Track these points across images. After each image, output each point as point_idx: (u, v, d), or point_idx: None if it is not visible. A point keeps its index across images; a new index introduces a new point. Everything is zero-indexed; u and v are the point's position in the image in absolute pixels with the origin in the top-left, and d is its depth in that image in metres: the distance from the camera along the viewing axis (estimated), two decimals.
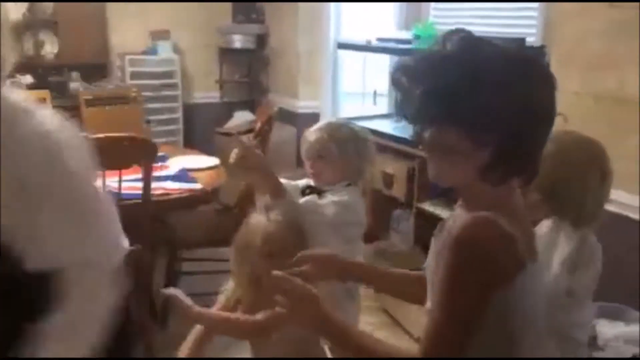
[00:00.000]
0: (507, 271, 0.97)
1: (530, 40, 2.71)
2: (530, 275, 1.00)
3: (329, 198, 1.70)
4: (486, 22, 3.11)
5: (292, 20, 4.27)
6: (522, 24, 2.91)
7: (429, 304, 1.11)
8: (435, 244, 1.13)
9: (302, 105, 4.33)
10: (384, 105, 3.93)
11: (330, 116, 4.23)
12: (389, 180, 3.10)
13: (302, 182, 1.84)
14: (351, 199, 1.72)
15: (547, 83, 1.02)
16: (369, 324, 2.80)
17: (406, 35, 3.37)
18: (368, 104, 4.02)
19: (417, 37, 3.18)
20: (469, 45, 1.00)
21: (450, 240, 0.99)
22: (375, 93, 3.91)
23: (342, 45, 3.82)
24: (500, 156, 0.99)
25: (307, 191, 1.77)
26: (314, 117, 4.28)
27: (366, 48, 3.50)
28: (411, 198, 2.98)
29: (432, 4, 3.59)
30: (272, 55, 4.64)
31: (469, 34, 1.02)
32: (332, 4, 4.02)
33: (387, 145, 3.22)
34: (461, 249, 0.97)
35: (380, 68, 3.96)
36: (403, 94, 1.04)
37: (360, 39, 3.72)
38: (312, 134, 1.78)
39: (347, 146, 1.73)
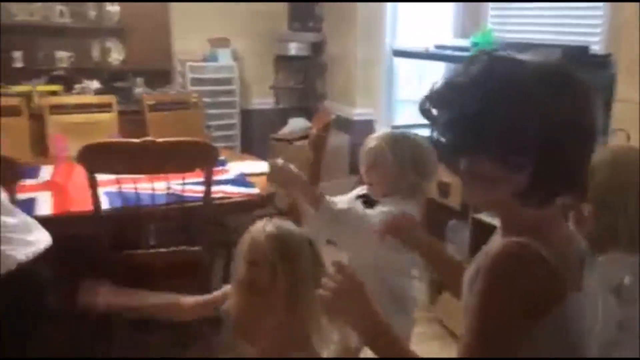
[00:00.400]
0: (543, 300, 0.92)
1: (595, 48, 2.62)
2: (572, 305, 0.94)
3: (379, 208, 1.68)
4: (547, 30, 3.04)
5: (351, 28, 4.30)
6: (586, 32, 2.80)
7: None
8: (471, 267, 1.08)
9: (358, 112, 4.35)
10: None
11: (384, 124, 4.24)
12: (444, 189, 3.07)
13: (357, 191, 1.83)
14: (401, 210, 1.66)
15: (584, 96, 0.95)
16: (421, 334, 2.78)
17: (464, 42, 3.34)
18: None
19: (475, 44, 3.15)
20: (494, 67, 0.95)
21: (483, 266, 0.95)
22: None
23: (398, 53, 3.82)
24: (539, 178, 0.93)
25: (360, 201, 1.76)
26: (368, 125, 4.30)
27: (422, 55, 3.48)
28: (467, 208, 2.94)
29: (491, 12, 3.54)
30: (329, 63, 4.69)
31: (494, 55, 0.98)
32: (389, 12, 4.03)
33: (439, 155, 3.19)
34: (493, 276, 0.93)
35: (437, 76, 3.93)
36: (432, 124, 1.01)
37: (416, 46, 3.71)
38: (371, 141, 1.76)
39: (403, 158, 1.69)
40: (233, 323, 1.29)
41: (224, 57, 4.42)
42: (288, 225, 1.30)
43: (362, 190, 1.83)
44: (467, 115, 0.93)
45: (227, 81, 4.44)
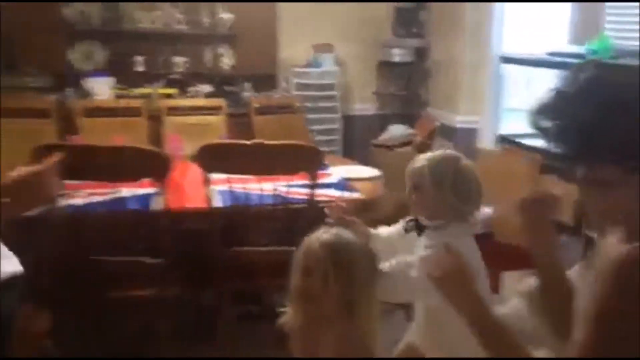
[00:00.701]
0: None
1: None
2: None
3: (422, 243, 1.61)
4: None
5: (458, 33, 4.22)
6: None
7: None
8: (583, 274, 1.08)
9: (461, 120, 4.25)
10: None
11: (490, 132, 4.12)
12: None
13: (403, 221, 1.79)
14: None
15: None
16: None
17: (579, 49, 3.18)
18: None
19: (593, 52, 2.99)
20: (602, 74, 0.96)
21: (605, 271, 0.94)
22: None
23: (507, 60, 3.70)
24: None
25: (410, 225, 1.72)
26: (472, 133, 4.20)
27: (533, 62, 3.35)
28: (580, 224, 2.78)
29: (607, 17, 3.34)
30: (433, 69, 4.63)
31: (602, 63, 0.99)
32: (497, 16, 3.92)
33: (554, 165, 3.05)
34: (619, 281, 0.92)
35: (548, 84, 3.76)
36: (543, 134, 1.02)
37: (526, 53, 3.58)
38: (416, 161, 1.71)
39: (443, 182, 1.62)
40: (291, 336, 1.28)
41: (327, 63, 4.49)
42: (346, 234, 1.30)
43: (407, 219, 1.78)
44: (582, 123, 0.94)
45: (330, 86, 4.51)
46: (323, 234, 1.27)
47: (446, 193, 1.62)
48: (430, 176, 1.64)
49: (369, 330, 1.23)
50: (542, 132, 1.03)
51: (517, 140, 3.41)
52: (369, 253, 1.28)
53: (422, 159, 1.69)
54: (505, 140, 3.54)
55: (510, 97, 4.14)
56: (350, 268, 1.23)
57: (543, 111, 1.01)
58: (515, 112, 4.10)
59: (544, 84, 3.58)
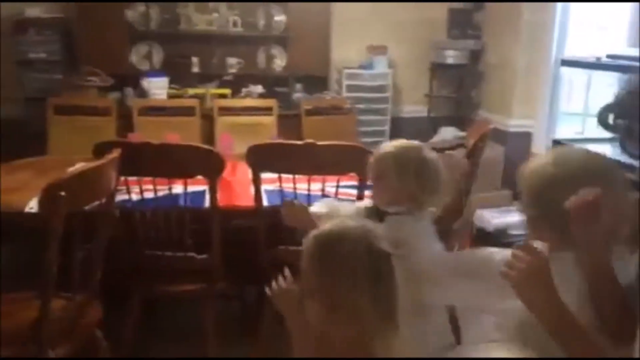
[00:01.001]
0: None
1: None
2: None
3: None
4: None
5: (513, 35, 4.14)
6: None
7: None
8: None
9: (514, 123, 4.17)
10: None
11: (544, 137, 4.01)
12: None
13: (365, 203, 1.81)
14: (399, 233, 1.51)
15: None
16: None
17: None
18: (591, 126, 3.72)
19: None
20: None
21: None
22: None
23: (567, 62, 3.59)
24: None
25: (370, 211, 1.71)
26: (525, 137, 4.10)
27: (595, 66, 3.23)
28: (636, 233, 2.68)
29: None
30: (487, 71, 4.55)
31: None
32: (558, 19, 3.82)
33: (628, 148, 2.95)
34: None
35: (607, 88, 3.64)
36: (615, 132, 0.99)
37: (586, 56, 3.46)
38: (380, 150, 1.71)
39: (406, 170, 1.62)
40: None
41: (380, 65, 4.49)
42: (346, 227, 1.17)
43: (370, 202, 1.77)
44: None
45: (381, 88, 4.51)
46: (320, 229, 1.19)
47: (409, 181, 1.62)
48: (394, 164, 1.64)
49: (368, 327, 1.12)
50: (612, 130, 1.01)
51: (572, 145, 3.31)
52: (372, 248, 1.14)
53: (386, 148, 1.70)
54: (560, 145, 3.44)
55: (568, 101, 4.02)
56: (340, 263, 1.12)
57: (612, 109, 0.99)
58: (573, 116, 3.98)
59: (602, 87, 3.47)
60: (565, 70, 3.89)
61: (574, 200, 1.17)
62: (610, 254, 1.25)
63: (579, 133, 3.83)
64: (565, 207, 1.17)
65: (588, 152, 1.32)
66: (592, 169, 1.24)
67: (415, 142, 1.73)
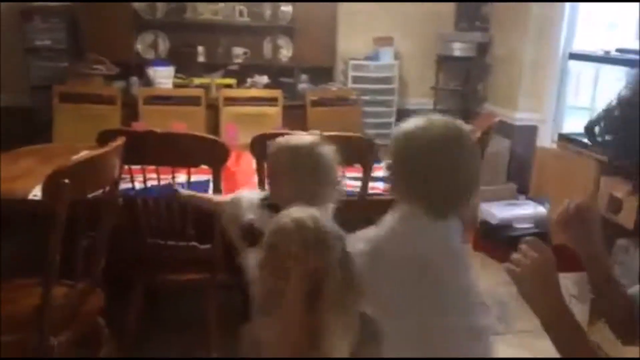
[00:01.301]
0: None
1: None
2: None
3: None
4: None
5: (521, 28, 4.10)
6: None
7: None
8: None
9: (520, 117, 4.14)
10: None
11: (551, 130, 3.99)
12: (616, 205, 2.82)
13: (259, 195, 1.77)
14: None
15: None
16: None
17: None
18: None
19: None
20: None
21: None
22: None
23: (575, 56, 3.56)
24: None
25: (264, 203, 1.69)
26: (531, 130, 4.08)
27: (603, 59, 3.21)
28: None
29: None
30: (494, 64, 4.52)
31: None
32: (567, 12, 3.78)
33: (617, 165, 2.93)
34: None
35: (615, 82, 3.61)
36: (604, 148, 0.99)
37: (594, 50, 3.44)
38: (273, 146, 1.67)
39: (301, 168, 1.58)
40: (257, 304, 1.27)
41: (386, 56, 4.46)
42: (322, 218, 1.23)
43: (265, 194, 1.76)
44: None
45: (387, 80, 4.48)
46: (297, 213, 1.23)
47: (304, 178, 1.58)
48: (288, 161, 1.61)
49: (328, 318, 1.16)
50: (602, 145, 1.00)
51: (579, 139, 3.29)
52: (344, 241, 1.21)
53: (280, 143, 1.66)
54: (567, 139, 3.42)
55: (575, 95, 3.99)
56: (318, 250, 1.18)
57: (620, 102, 0.97)
58: (580, 110, 3.96)
59: (610, 82, 3.45)
60: (573, 64, 3.86)
61: (558, 214, 1.24)
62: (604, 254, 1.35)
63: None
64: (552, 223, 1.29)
65: (447, 121, 1.39)
66: (450, 135, 1.35)
67: (309, 137, 1.68)
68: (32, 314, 1.72)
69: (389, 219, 1.39)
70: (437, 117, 1.39)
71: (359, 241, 1.39)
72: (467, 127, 1.40)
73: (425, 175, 1.32)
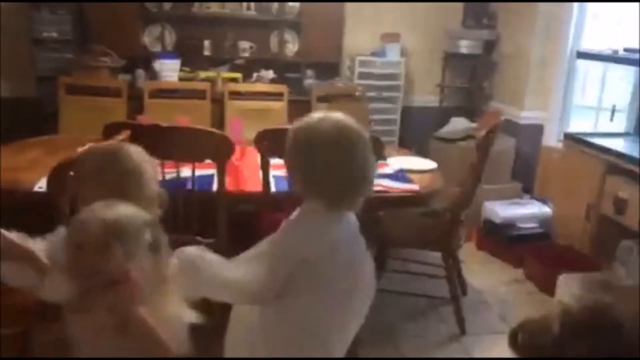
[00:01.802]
0: None
1: None
2: None
3: None
4: None
5: (528, 27, 4.08)
6: None
7: None
8: None
9: (526, 115, 4.13)
10: (621, 123, 3.56)
11: (557, 129, 3.98)
12: (621, 205, 2.81)
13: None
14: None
15: None
16: None
17: None
18: (604, 120, 3.68)
19: None
20: None
21: None
22: (613, 108, 3.56)
23: (583, 55, 3.55)
24: None
25: None
26: (537, 129, 4.07)
27: (612, 59, 3.20)
28: None
29: None
30: (500, 62, 4.50)
31: None
32: (576, 11, 3.76)
33: (622, 166, 2.92)
34: None
35: (623, 82, 3.59)
36: None
37: (602, 49, 3.42)
38: (82, 151, 1.62)
39: (104, 179, 1.49)
40: (67, 302, 1.25)
41: (392, 53, 4.45)
42: (124, 209, 1.23)
43: None
44: None
45: (393, 77, 4.47)
46: (98, 208, 1.22)
47: (109, 183, 1.48)
48: (92, 170, 1.52)
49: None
50: None
51: (584, 139, 3.29)
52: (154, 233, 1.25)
53: (84, 150, 1.60)
54: (572, 139, 3.41)
55: (582, 94, 3.98)
56: (121, 243, 1.19)
57: None
58: (587, 109, 3.94)
59: (618, 81, 3.43)
60: (580, 63, 3.84)
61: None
62: None
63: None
64: None
65: (339, 118, 1.44)
66: (341, 131, 1.41)
67: (117, 146, 1.59)
68: (34, 306, 1.72)
69: (292, 216, 1.46)
70: (331, 114, 1.44)
71: (264, 242, 1.50)
72: (357, 125, 1.45)
73: (320, 170, 1.39)
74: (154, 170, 1.57)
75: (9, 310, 1.78)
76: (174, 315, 1.30)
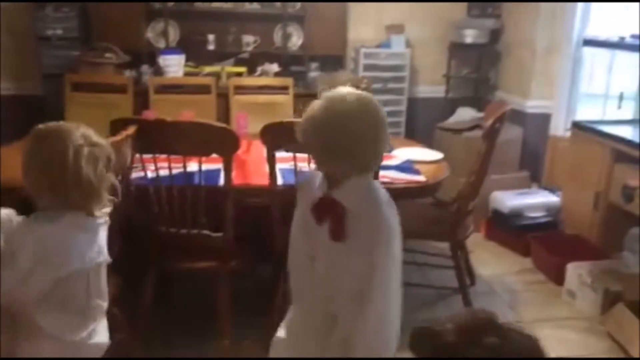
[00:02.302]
0: None
1: None
2: None
3: None
4: None
5: (532, 14, 4.05)
6: None
7: None
8: None
9: (533, 104, 4.10)
10: (629, 110, 3.54)
11: (563, 118, 3.95)
12: (629, 193, 2.79)
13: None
14: None
15: None
16: (589, 346, 2.58)
17: None
18: (611, 107, 3.65)
19: None
20: None
21: None
22: (621, 96, 3.53)
23: (589, 42, 3.52)
24: None
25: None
26: (544, 118, 4.04)
27: (619, 45, 3.17)
28: None
29: None
30: (505, 51, 4.47)
31: None
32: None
33: (630, 154, 2.90)
34: None
35: (630, 68, 3.56)
36: None
37: (609, 36, 3.39)
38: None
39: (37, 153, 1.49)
40: None
41: (397, 44, 4.43)
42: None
43: None
44: None
45: (399, 68, 4.45)
46: None
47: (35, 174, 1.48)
48: (27, 154, 1.50)
49: None
50: None
51: (592, 127, 3.26)
52: None
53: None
54: (580, 127, 3.39)
55: (589, 82, 3.95)
56: None
57: None
58: (594, 97, 3.92)
59: (625, 68, 3.40)
60: (587, 50, 3.81)
61: None
62: None
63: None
64: None
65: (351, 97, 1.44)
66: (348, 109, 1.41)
67: (62, 126, 1.52)
68: None
69: (356, 200, 1.45)
70: (348, 90, 1.46)
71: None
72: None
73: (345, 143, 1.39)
74: (104, 157, 1.51)
75: None
76: None
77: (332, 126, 1.39)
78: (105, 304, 1.62)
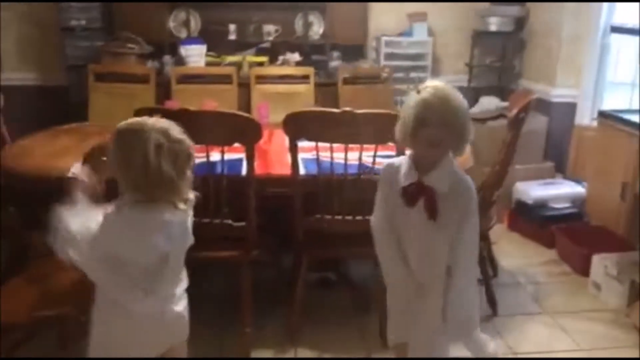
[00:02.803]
0: None
1: None
2: None
3: None
4: None
5: (558, 2, 3.97)
6: None
7: None
8: None
9: (558, 93, 4.03)
10: None
11: (590, 107, 3.88)
12: None
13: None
14: None
15: None
16: (613, 339, 2.54)
17: None
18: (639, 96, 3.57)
19: None
20: None
21: None
22: None
23: (616, 29, 3.44)
24: None
25: None
26: (570, 107, 3.97)
27: None
28: None
29: None
30: (530, 39, 4.39)
31: None
32: None
33: None
34: None
35: None
36: None
37: (636, 23, 3.31)
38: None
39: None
40: None
41: (420, 32, 4.38)
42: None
43: None
44: None
45: (421, 57, 4.40)
46: None
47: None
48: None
49: None
50: None
51: (619, 116, 3.19)
52: None
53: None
54: (606, 116, 3.32)
55: (615, 70, 3.86)
56: None
57: None
58: (621, 85, 3.83)
59: None
60: (614, 38, 3.72)
61: None
62: None
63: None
64: None
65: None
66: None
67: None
68: (69, 289, 1.76)
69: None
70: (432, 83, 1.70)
71: None
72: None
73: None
74: (184, 153, 1.55)
75: (47, 294, 1.82)
76: None
77: (458, 111, 1.66)
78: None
